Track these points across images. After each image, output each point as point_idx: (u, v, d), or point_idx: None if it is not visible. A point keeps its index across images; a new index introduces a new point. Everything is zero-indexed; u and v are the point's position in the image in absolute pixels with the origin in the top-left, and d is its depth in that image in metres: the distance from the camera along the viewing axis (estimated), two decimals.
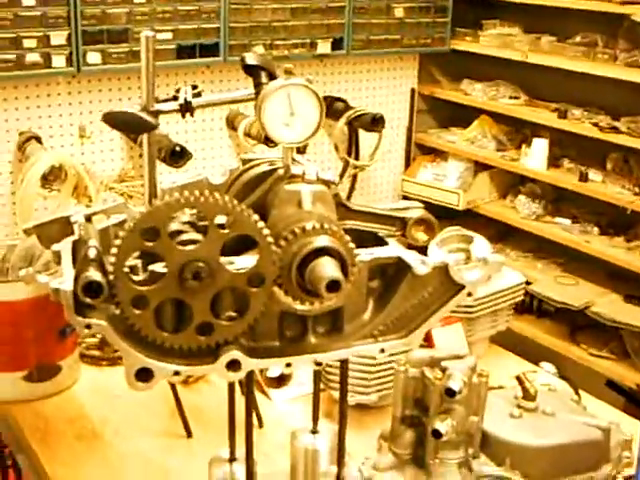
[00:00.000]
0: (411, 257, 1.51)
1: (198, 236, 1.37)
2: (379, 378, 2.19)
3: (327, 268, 1.33)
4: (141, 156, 4.11)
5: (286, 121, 1.50)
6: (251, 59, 1.59)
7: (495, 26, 5.02)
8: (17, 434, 2.29)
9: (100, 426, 2.24)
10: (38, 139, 3.87)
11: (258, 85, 1.57)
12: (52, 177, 3.77)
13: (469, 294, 1.53)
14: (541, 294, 4.45)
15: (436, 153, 5.27)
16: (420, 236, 1.62)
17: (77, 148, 4.03)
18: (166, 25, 4.00)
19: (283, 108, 1.49)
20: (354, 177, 4.85)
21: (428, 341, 2.31)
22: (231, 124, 4.38)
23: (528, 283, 4.32)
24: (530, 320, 4.63)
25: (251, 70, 1.59)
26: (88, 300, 1.33)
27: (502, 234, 4.99)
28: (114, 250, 1.32)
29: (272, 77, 1.58)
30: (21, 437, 2.25)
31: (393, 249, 1.55)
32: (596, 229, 4.58)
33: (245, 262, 1.39)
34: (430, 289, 1.52)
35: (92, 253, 1.37)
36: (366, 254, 1.49)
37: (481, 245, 2.29)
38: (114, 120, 1.54)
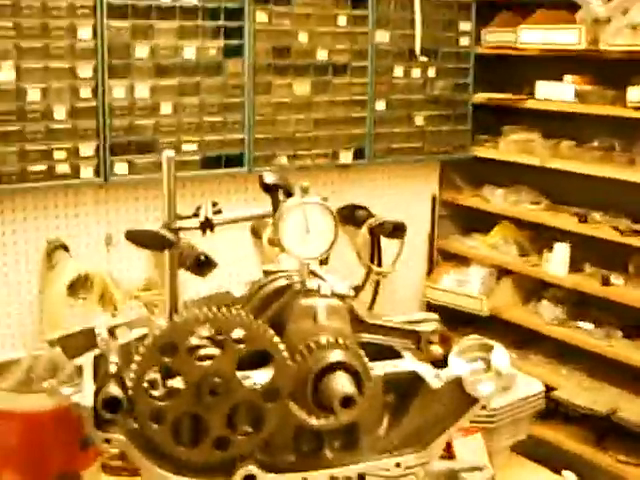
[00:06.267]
0: (425, 371, 1.54)
1: (215, 351, 1.40)
2: None
3: (341, 383, 1.35)
4: None
5: (302, 237, 1.55)
6: (269, 178, 1.64)
7: (515, 132, 5.08)
8: None
9: None
10: (65, 247, 3.94)
11: (276, 203, 1.61)
12: (79, 285, 3.82)
13: (483, 407, 1.55)
14: (566, 400, 4.40)
15: (458, 259, 5.29)
16: (435, 349, 1.64)
17: (103, 256, 4.09)
18: (192, 136, 4.09)
19: (299, 225, 1.54)
20: (377, 284, 4.86)
21: (449, 451, 2.30)
22: (255, 232, 4.43)
23: (553, 389, 4.30)
24: (555, 426, 4.55)
25: (269, 188, 1.64)
26: (107, 415, 1.36)
27: (526, 339, 4.96)
28: (134, 366, 1.35)
29: (289, 194, 1.62)
30: None
31: (407, 363, 1.57)
32: (619, 333, 4.55)
33: (261, 377, 1.41)
34: (445, 402, 1.54)
35: (112, 369, 1.40)
36: (380, 368, 1.51)
37: (500, 354, 2.30)
38: (136, 238, 1.59)
